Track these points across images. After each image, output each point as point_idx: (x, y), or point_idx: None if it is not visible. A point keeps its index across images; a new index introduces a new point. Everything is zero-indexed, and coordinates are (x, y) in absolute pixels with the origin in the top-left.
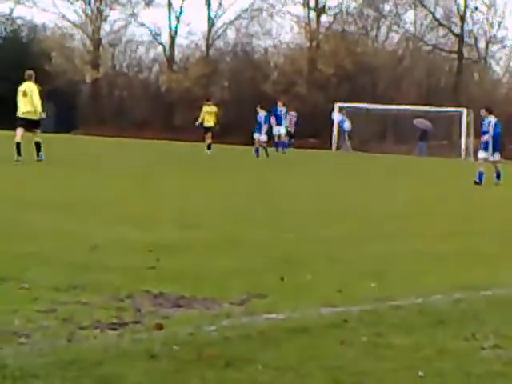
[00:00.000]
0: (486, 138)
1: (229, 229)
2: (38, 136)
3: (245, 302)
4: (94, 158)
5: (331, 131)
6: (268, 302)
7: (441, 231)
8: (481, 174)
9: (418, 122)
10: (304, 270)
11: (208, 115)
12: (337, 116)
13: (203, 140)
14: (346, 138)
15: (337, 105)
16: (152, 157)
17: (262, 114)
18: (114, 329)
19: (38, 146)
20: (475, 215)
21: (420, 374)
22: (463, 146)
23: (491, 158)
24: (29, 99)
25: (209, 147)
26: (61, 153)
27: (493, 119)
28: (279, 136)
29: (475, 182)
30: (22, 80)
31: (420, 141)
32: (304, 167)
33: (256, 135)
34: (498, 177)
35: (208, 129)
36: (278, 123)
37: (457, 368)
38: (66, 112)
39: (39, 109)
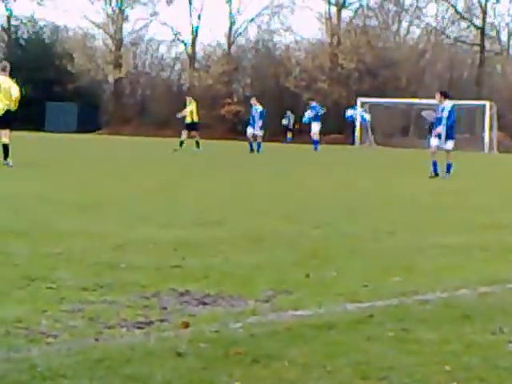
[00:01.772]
0: (439, 129)
1: (252, 225)
2: (7, 137)
3: (270, 299)
4: (117, 157)
5: (354, 126)
6: (294, 298)
7: (466, 224)
8: (435, 164)
9: (426, 113)
10: (329, 265)
11: (195, 111)
12: (350, 112)
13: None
14: (370, 132)
15: (359, 100)
16: (174, 155)
17: (257, 108)
18: (141, 327)
19: (5, 148)
20: (501, 208)
21: (447, 368)
22: (486, 139)
23: (443, 146)
24: (4, 94)
25: (198, 144)
26: (84, 152)
27: (448, 104)
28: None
29: (431, 176)
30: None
31: (429, 133)
32: (327, 162)
33: (250, 130)
34: (449, 169)
35: (194, 125)
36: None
37: (484, 362)
38: (89, 112)
39: (12, 105)
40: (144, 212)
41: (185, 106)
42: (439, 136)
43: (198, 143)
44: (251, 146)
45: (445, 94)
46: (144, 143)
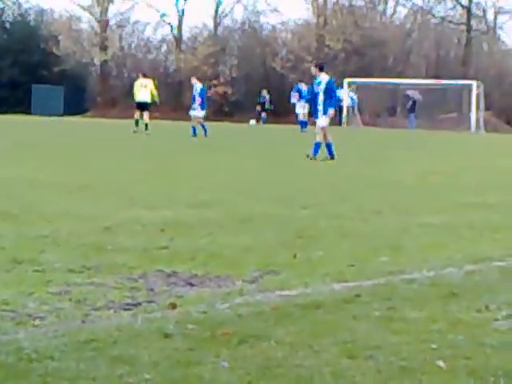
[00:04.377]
0: (332, 111)
1: (240, 207)
2: None
3: (257, 280)
4: (104, 140)
5: (341, 107)
6: (281, 278)
7: (452, 203)
8: (328, 146)
9: (411, 92)
10: (316, 245)
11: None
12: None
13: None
14: (357, 113)
15: (346, 80)
16: (162, 137)
17: (197, 85)
18: (128, 309)
19: None
20: (487, 187)
21: (433, 346)
22: (473, 119)
23: (321, 125)
24: None
25: (146, 127)
26: (71, 135)
27: (325, 78)
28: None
29: (311, 157)
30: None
31: (410, 112)
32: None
33: (192, 112)
34: (329, 149)
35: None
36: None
37: (470, 340)
38: (76, 95)
39: None
40: (132, 194)
41: (191, 90)
42: (316, 113)
43: (137, 121)
44: (194, 130)
45: (320, 67)
46: (131, 125)
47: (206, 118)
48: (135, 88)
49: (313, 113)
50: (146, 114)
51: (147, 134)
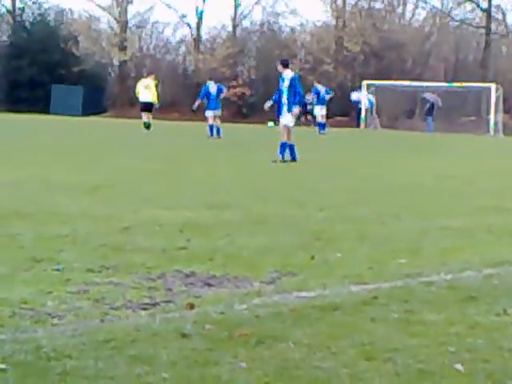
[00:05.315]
0: (297, 110)
1: (258, 207)
2: None
3: (275, 281)
4: (121, 140)
5: (359, 109)
6: (298, 280)
7: (470, 207)
8: (284, 146)
9: (427, 95)
10: (334, 247)
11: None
12: (356, 96)
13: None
14: (375, 115)
15: (364, 82)
16: (180, 137)
17: (212, 86)
18: (146, 309)
19: None
20: (505, 191)
21: (451, 349)
22: (492, 122)
23: (285, 122)
24: None
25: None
26: (89, 135)
27: (289, 74)
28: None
29: (278, 161)
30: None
31: (427, 115)
32: (332, 146)
33: (208, 112)
34: (283, 150)
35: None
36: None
37: (488, 343)
38: (95, 95)
39: None
40: (150, 194)
41: (199, 92)
42: (280, 111)
43: (149, 125)
44: (211, 130)
45: (284, 63)
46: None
47: (224, 119)
48: (138, 89)
49: (276, 111)
50: (147, 115)
51: (146, 134)
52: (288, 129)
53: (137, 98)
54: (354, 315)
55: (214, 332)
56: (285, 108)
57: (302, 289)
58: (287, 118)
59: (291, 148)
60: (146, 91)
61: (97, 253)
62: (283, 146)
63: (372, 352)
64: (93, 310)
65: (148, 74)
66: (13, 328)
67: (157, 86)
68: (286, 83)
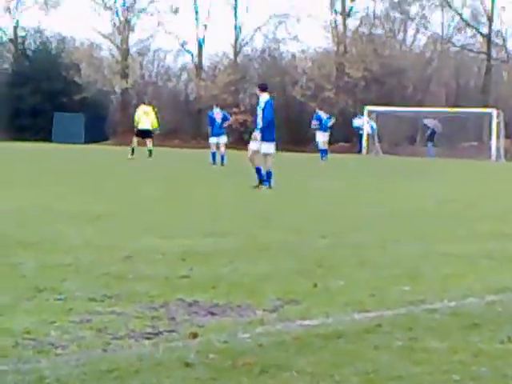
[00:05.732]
0: (257, 135)
1: (259, 234)
2: None
3: (278, 309)
4: (122, 167)
5: (361, 135)
6: (301, 308)
7: (471, 232)
8: (258, 170)
9: (428, 121)
10: (336, 274)
11: (145, 117)
12: (357, 122)
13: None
14: (376, 141)
15: (366, 108)
16: (181, 164)
17: (218, 112)
18: (149, 338)
19: None
20: (507, 216)
21: (456, 377)
22: (494, 148)
23: (262, 150)
24: None
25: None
26: (90, 163)
27: (264, 98)
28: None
29: (255, 186)
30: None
31: (428, 141)
32: (333, 172)
33: (212, 139)
34: (269, 177)
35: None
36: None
37: (493, 371)
38: (96, 122)
39: None
40: (151, 222)
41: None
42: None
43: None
44: (214, 156)
45: (262, 88)
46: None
47: (226, 146)
48: (138, 116)
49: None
50: (149, 141)
51: (150, 161)
52: (266, 156)
53: (135, 125)
54: (357, 343)
55: (218, 361)
56: (259, 134)
57: (305, 317)
58: (265, 146)
59: (258, 170)
60: (146, 118)
61: (99, 282)
62: (269, 174)
63: (376, 380)
64: (95, 340)
65: (144, 102)
66: (16, 358)
67: (156, 113)
68: (261, 106)
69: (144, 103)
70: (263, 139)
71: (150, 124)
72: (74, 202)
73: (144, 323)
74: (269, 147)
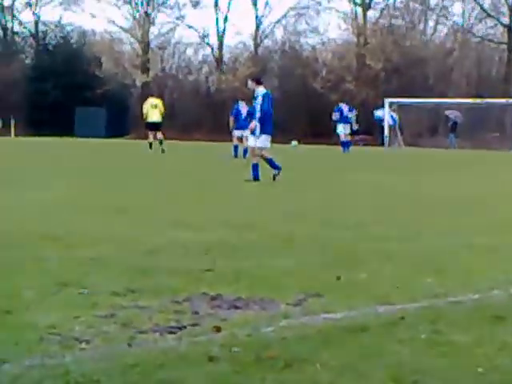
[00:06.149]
0: (252, 124)
1: (282, 228)
2: None
3: (302, 302)
4: (143, 161)
5: (382, 127)
6: (325, 301)
7: (494, 224)
8: (255, 167)
9: (450, 112)
10: (360, 267)
11: (155, 109)
12: (379, 113)
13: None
14: (398, 133)
15: (387, 100)
16: (203, 157)
17: (244, 106)
18: (173, 332)
19: None
20: None
21: (480, 370)
22: None
23: (256, 144)
24: None
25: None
26: (112, 157)
27: (260, 91)
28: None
29: (248, 180)
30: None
31: (450, 132)
32: (355, 164)
33: (236, 132)
34: (255, 170)
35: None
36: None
37: None
38: (118, 116)
39: None
40: (172, 216)
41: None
42: (254, 132)
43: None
44: (236, 149)
45: (257, 80)
46: (171, 147)
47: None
48: (146, 109)
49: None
50: (159, 134)
51: (163, 151)
52: (260, 150)
53: (145, 119)
54: (381, 336)
55: (241, 355)
56: (258, 128)
57: (329, 310)
58: (262, 140)
59: (255, 167)
60: (155, 110)
61: (123, 276)
62: (271, 162)
63: (400, 373)
64: (120, 334)
65: (152, 95)
66: (40, 353)
67: (164, 105)
68: (258, 100)
69: (152, 95)
70: (260, 131)
71: (160, 116)
72: (97, 196)
73: (168, 317)
74: (265, 139)
